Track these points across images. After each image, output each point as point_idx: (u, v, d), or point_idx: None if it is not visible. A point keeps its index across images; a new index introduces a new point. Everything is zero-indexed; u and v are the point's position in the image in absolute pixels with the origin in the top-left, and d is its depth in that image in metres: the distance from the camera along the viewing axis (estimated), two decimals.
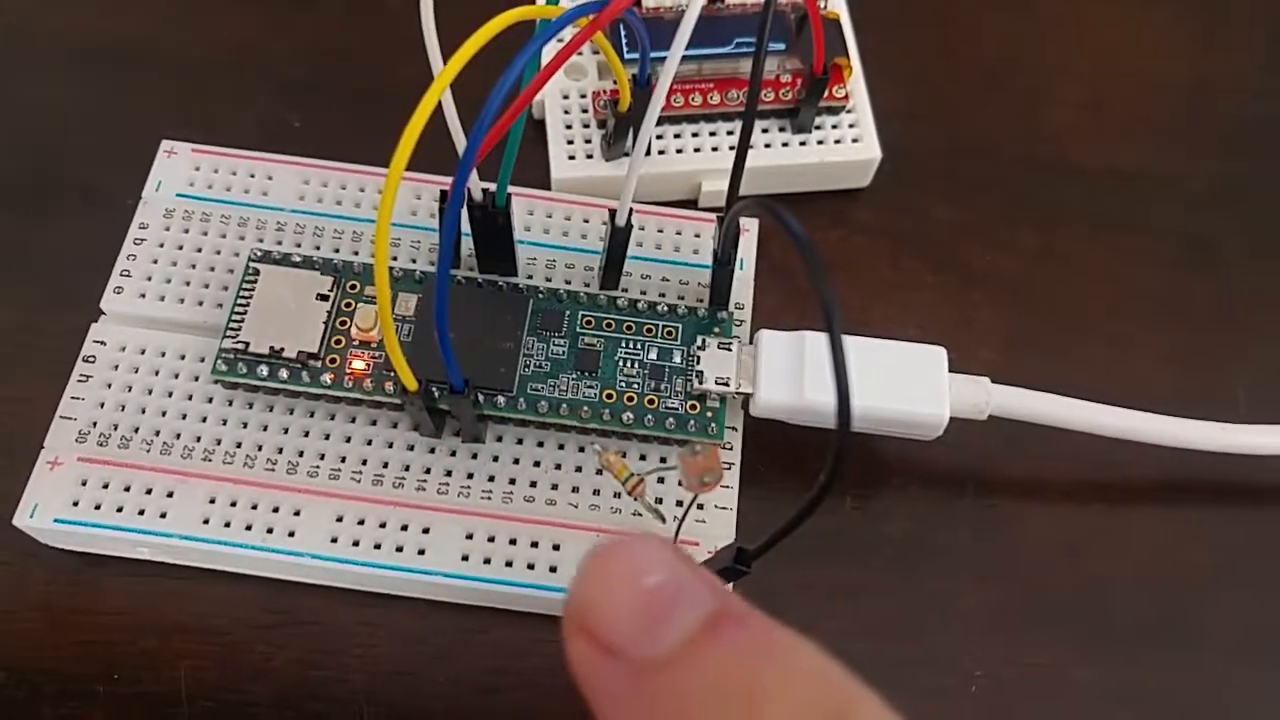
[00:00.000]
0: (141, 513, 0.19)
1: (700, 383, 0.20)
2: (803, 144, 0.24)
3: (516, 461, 0.20)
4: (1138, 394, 0.21)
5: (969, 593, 0.21)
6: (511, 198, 0.20)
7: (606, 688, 0.12)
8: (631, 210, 0.20)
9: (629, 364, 0.20)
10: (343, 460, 0.20)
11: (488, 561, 0.19)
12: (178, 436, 0.20)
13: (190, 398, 0.20)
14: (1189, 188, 0.26)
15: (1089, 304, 0.24)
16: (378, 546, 0.19)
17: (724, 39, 0.23)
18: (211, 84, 0.26)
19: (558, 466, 0.20)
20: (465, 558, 0.19)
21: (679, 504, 0.20)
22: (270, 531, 0.19)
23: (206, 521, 0.19)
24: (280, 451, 0.20)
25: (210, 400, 0.20)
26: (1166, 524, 0.22)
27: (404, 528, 0.19)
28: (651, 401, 0.20)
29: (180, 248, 0.22)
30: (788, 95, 0.23)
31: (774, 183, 0.24)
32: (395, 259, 0.22)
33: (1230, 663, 0.21)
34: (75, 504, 0.19)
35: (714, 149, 0.24)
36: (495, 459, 0.20)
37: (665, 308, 0.21)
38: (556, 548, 0.19)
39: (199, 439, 0.20)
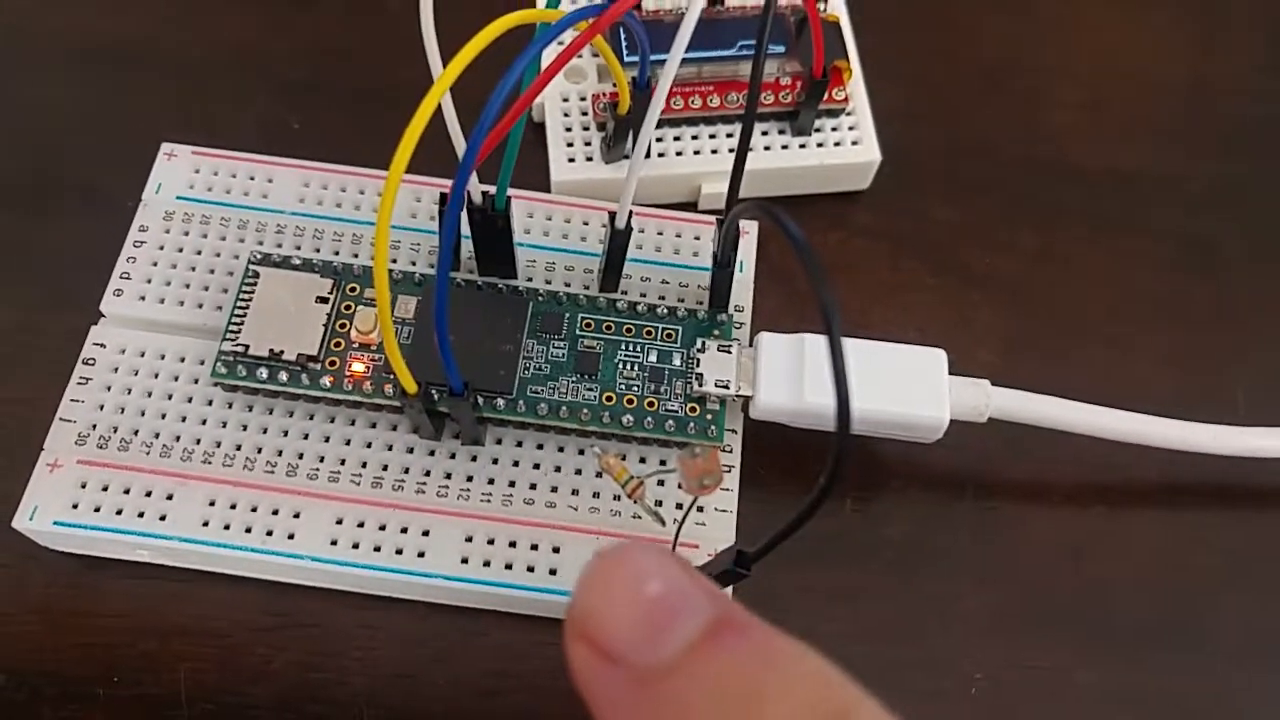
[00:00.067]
0: (141, 515, 0.19)
1: (700, 385, 0.20)
2: (802, 146, 0.24)
3: (516, 464, 0.20)
4: (1137, 395, 0.21)
5: (969, 595, 0.21)
6: (511, 200, 0.20)
7: (608, 695, 0.12)
8: (631, 213, 0.20)
9: (629, 366, 0.20)
10: (342, 463, 0.20)
11: (487, 564, 0.19)
12: (177, 439, 0.20)
13: (190, 400, 0.20)
14: (1189, 189, 0.26)
15: (1089, 305, 0.24)
16: (377, 549, 0.19)
17: (724, 42, 0.23)
18: (211, 84, 0.26)
19: (557, 469, 0.20)
20: (465, 560, 0.19)
21: (679, 506, 0.20)
22: (270, 534, 0.19)
23: (206, 524, 0.19)
24: (280, 454, 0.20)
25: (210, 403, 0.20)
26: (1167, 526, 0.22)
27: (403, 530, 0.19)
28: (651, 404, 0.20)
29: (180, 250, 0.22)
30: (787, 98, 0.23)
31: (774, 185, 0.24)
32: (395, 261, 0.22)
33: (1232, 665, 0.21)
34: (75, 506, 0.19)
35: (714, 151, 0.24)
36: (495, 461, 0.20)
37: (665, 310, 0.21)
38: (556, 550, 0.19)
39: (198, 441, 0.20)
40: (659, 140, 0.24)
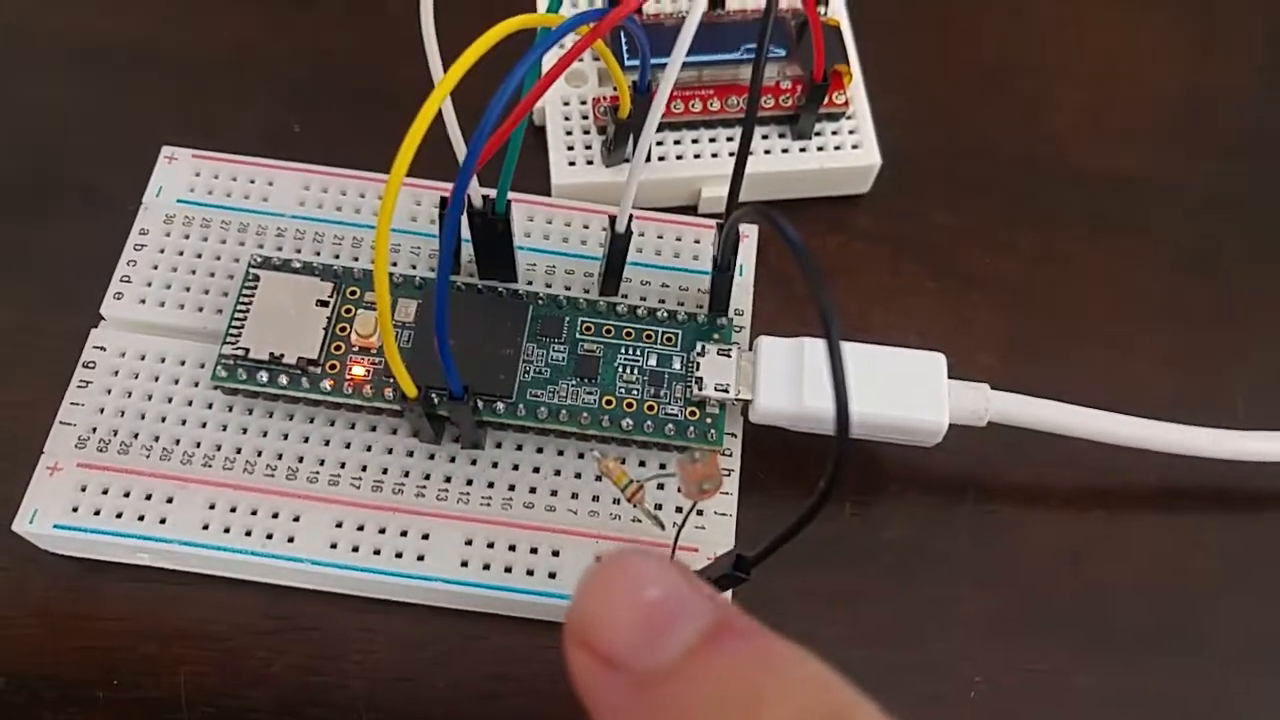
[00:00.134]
0: (141, 518, 0.19)
1: (700, 389, 0.20)
2: (803, 150, 0.24)
3: (516, 468, 0.20)
4: (1137, 397, 0.21)
5: (969, 599, 0.21)
6: (511, 204, 0.20)
7: (608, 700, 0.12)
8: (631, 216, 0.20)
9: (628, 370, 0.20)
10: (342, 466, 0.20)
11: (487, 567, 0.19)
12: (177, 442, 0.20)
13: (190, 403, 0.20)
14: (1188, 191, 0.26)
15: (1089, 307, 0.24)
16: (377, 552, 0.19)
17: (724, 45, 0.23)
18: (212, 85, 0.26)
19: (557, 473, 0.20)
20: (464, 564, 0.19)
21: (678, 510, 0.20)
22: (270, 537, 0.19)
23: (206, 527, 0.19)
24: (280, 457, 0.20)
25: (210, 406, 0.20)
26: (1166, 530, 0.22)
27: (403, 533, 0.19)
28: (651, 408, 0.20)
29: (180, 253, 0.22)
30: (788, 102, 0.23)
31: (774, 189, 0.24)
32: (395, 265, 0.22)
33: (1231, 669, 0.21)
34: (75, 510, 0.19)
35: (714, 155, 0.24)
36: (494, 465, 0.20)
37: (665, 314, 0.21)
38: (556, 554, 0.19)
39: (198, 445, 0.20)
40: (659, 144, 0.24)
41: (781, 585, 0.20)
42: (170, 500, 0.19)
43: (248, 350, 0.20)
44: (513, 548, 0.19)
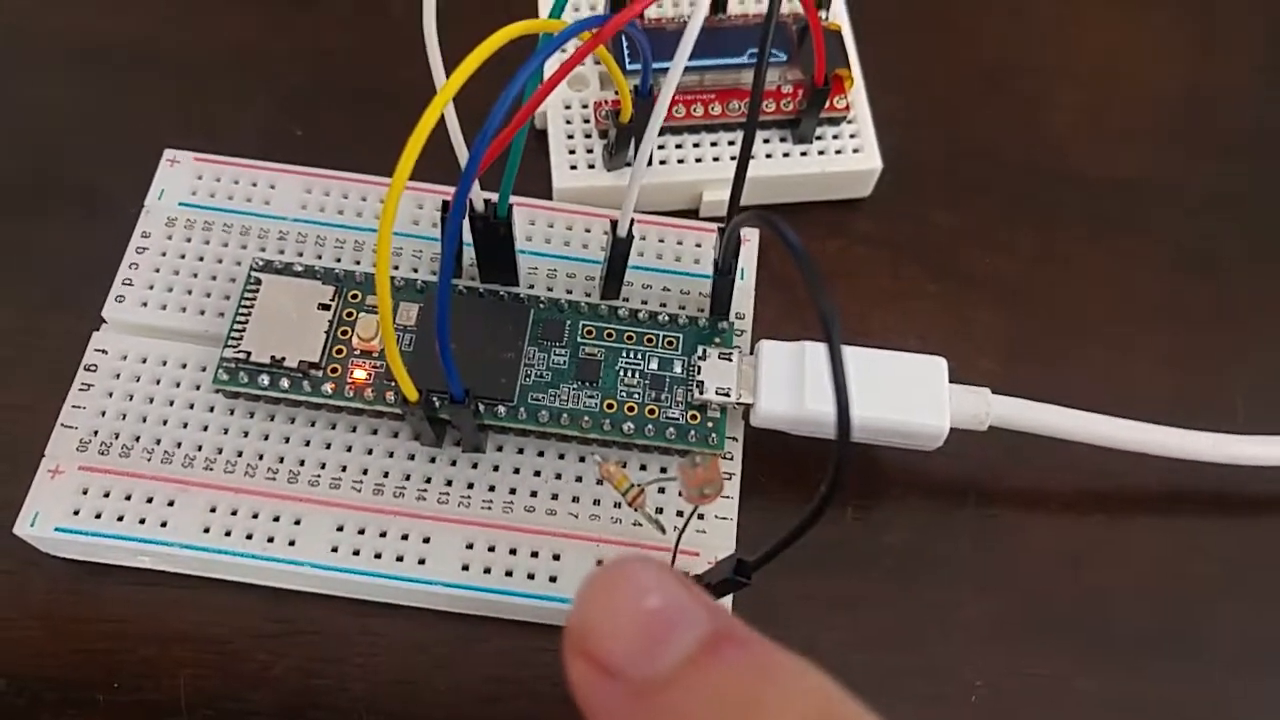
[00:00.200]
0: (142, 521, 0.19)
1: (701, 393, 0.20)
2: (804, 154, 0.24)
3: (517, 471, 0.20)
4: (1137, 399, 0.21)
5: (969, 603, 0.21)
6: (513, 208, 0.20)
7: (606, 709, 0.12)
8: (633, 220, 0.20)
9: (630, 374, 0.20)
10: (343, 470, 0.20)
11: (488, 571, 0.19)
12: (179, 445, 0.20)
13: (191, 407, 0.20)
14: (1188, 192, 0.26)
15: (1089, 309, 0.24)
16: (378, 556, 0.19)
17: (726, 50, 0.23)
18: (213, 86, 0.26)
19: (558, 476, 0.20)
20: (465, 567, 0.19)
21: (679, 514, 0.20)
22: (271, 541, 0.19)
23: (207, 530, 0.19)
24: (281, 461, 0.20)
25: (211, 409, 0.20)
26: (1167, 534, 0.22)
27: (404, 537, 0.19)
28: (652, 412, 0.20)
29: (182, 257, 0.22)
30: (789, 106, 0.23)
31: (775, 193, 0.24)
32: (396, 268, 0.22)
33: (1231, 673, 0.21)
34: (76, 513, 0.19)
35: (715, 159, 0.24)
36: (496, 469, 0.20)
37: (666, 318, 0.21)
38: (557, 558, 0.19)
39: (200, 448, 0.20)
40: (660, 148, 0.24)
41: (782, 589, 0.20)
42: (171, 503, 0.19)
43: (249, 354, 0.20)
44: (513, 551, 0.19)
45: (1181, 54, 0.28)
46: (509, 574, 0.19)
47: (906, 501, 0.22)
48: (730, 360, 0.20)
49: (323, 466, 0.20)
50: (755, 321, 0.22)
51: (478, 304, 0.21)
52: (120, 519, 0.19)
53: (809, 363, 0.20)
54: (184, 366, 0.21)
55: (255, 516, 0.19)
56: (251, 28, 0.27)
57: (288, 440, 0.20)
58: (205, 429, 0.20)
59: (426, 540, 0.19)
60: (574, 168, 0.23)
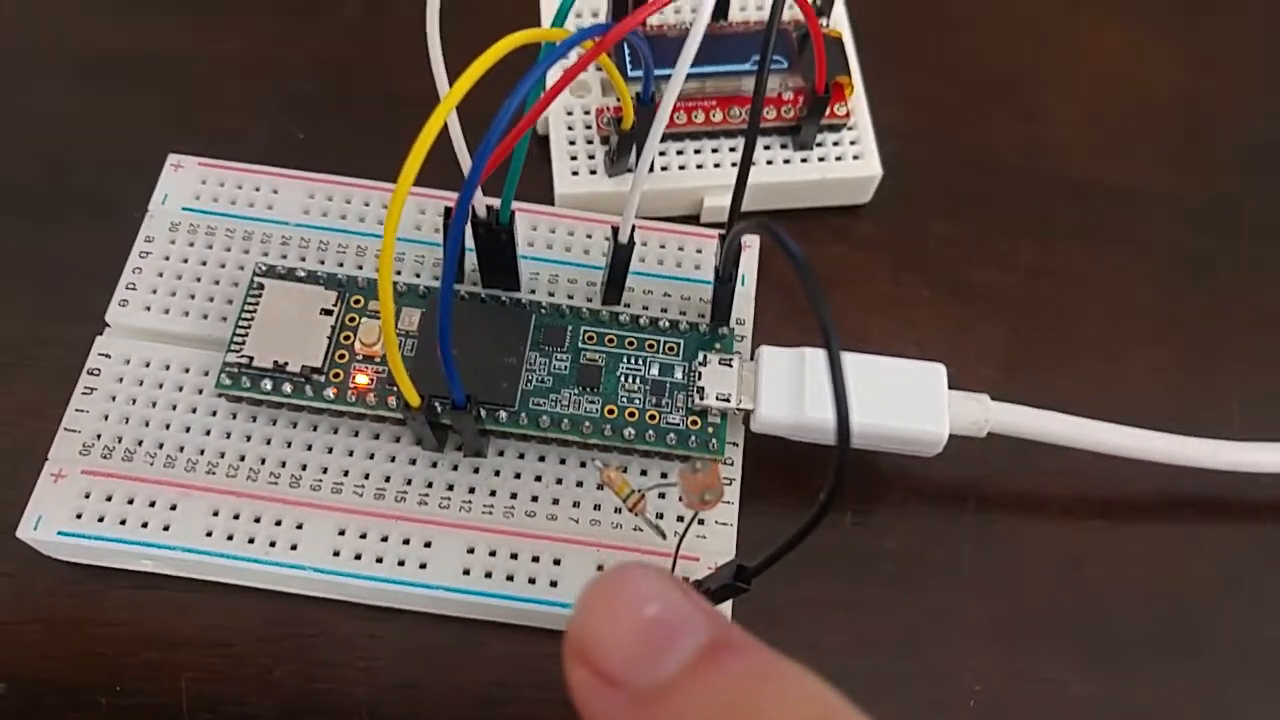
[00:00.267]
0: (145, 525, 0.19)
1: (701, 399, 0.20)
2: (804, 161, 0.24)
3: (518, 476, 0.20)
4: (1134, 408, 0.21)
5: (969, 607, 0.21)
6: (515, 214, 0.20)
7: (607, 715, 0.12)
8: (634, 227, 0.20)
9: (630, 379, 0.20)
10: (345, 474, 0.20)
11: (489, 576, 0.19)
12: (181, 450, 0.20)
13: (194, 411, 0.20)
14: (1186, 203, 0.26)
15: (1087, 319, 0.24)
16: (379, 560, 0.19)
17: (727, 57, 0.23)
18: (216, 91, 0.26)
19: (559, 481, 0.20)
20: (466, 572, 0.19)
21: (679, 519, 0.20)
22: (273, 545, 0.19)
23: (209, 534, 0.19)
24: (283, 465, 0.20)
25: (214, 414, 0.20)
26: (1166, 538, 0.22)
27: (405, 541, 0.20)
28: (653, 417, 0.20)
29: (185, 261, 0.22)
30: (789, 113, 0.24)
31: (775, 199, 0.24)
32: (399, 274, 0.22)
33: (1229, 675, 0.21)
34: (79, 516, 0.19)
35: (716, 165, 0.24)
36: (497, 474, 0.20)
37: (667, 323, 0.21)
38: (557, 562, 0.20)
39: (202, 452, 0.20)
40: (661, 154, 0.24)
41: (782, 594, 0.21)
42: (174, 507, 0.20)
43: (252, 358, 0.20)
44: (514, 556, 0.20)
45: (1180, 68, 0.28)
46: (510, 578, 0.19)
47: (906, 507, 0.22)
48: (731, 366, 0.20)
49: (324, 471, 0.20)
50: (756, 327, 0.22)
51: (479, 309, 0.21)
52: (123, 523, 0.19)
53: (809, 369, 0.20)
54: (187, 371, 0.21)
55: (257, 520, 0.19)
56: (255, 34, 0.27)
57: (290, 445, 0.20)
58: (208, 433, 0.20)
59: (428, 545, 0.20)
60: (576, 174, 0.24)
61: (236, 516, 0.20)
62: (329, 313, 0.20)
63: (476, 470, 0.20)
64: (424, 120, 0.14)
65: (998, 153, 0.26)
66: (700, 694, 0.11)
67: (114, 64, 0.26)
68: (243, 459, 0.20)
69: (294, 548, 0.19)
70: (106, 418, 0.20)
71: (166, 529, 0.19)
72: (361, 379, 0.20)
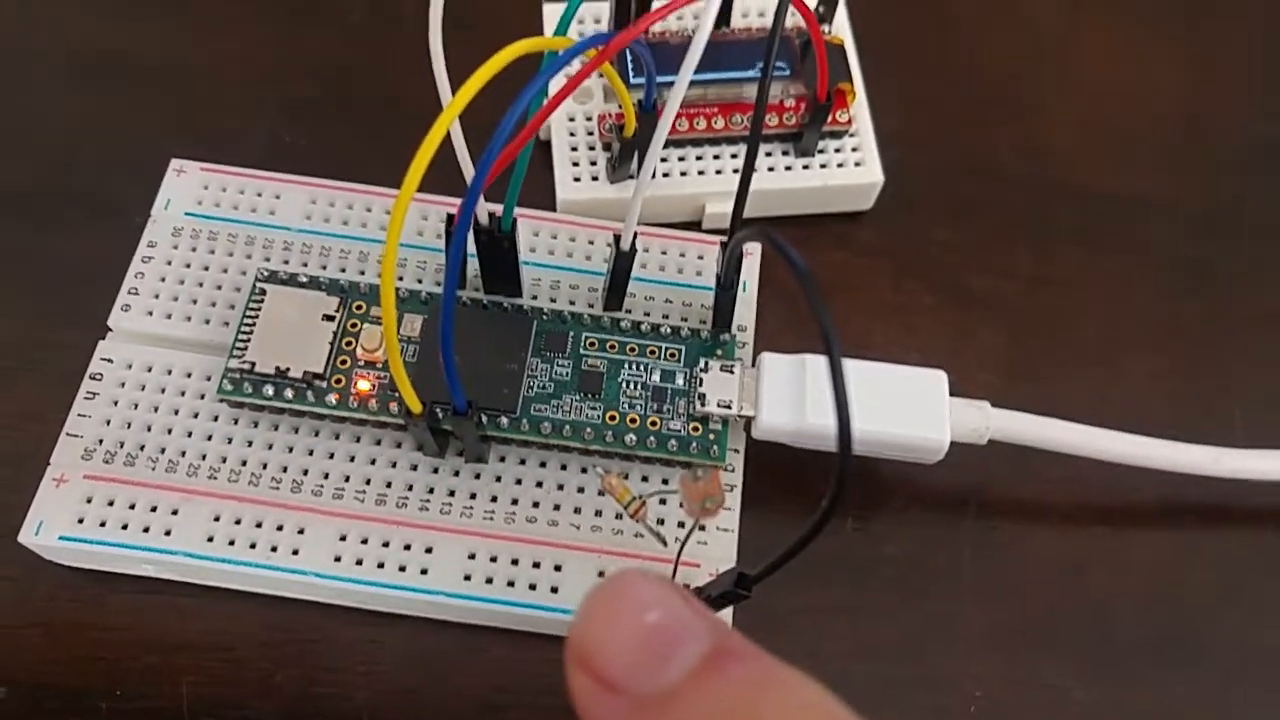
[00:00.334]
0: (146, 530, 0.19)
1: (702, 405, 0.20)
2: (806, 167, 0.24)
3: (519, 482, 0.20)
4: (1136, 415, 0.21)
5: (970, 614, 0.21)
6: (517, 220, 0.20)
7: None
8: (636, 233, 0.20)
9: (632, 386, 0.20)
10: (346, 480, 0.20)
11: (490, 581, 0.19)
12: (183, 454, 0.20)
13: (196, 416, 0.20)
14: (1187, 210, 0.26)
15: (1088, 326, 0.24)
16: (381, 565, 0.19)
17: (729, 64, 0.23)
18: (219, 96, 0.26)
19: (560, 487, 0.20)
20: (467, 577, 0.19)
21: (680, 526, 0.20)
22: (274, 550, 0.19)
23: (211, 539, 0.19)
24: (284, 470, 0.20)
25: (216, 419, 0.20)
26: (1167, 545, 0.22)
27: (407, 547, 0.20)
28: (654, 423, 0.20)
29: (188, 266, 0.22)
30: (791, 120, 0.24)
31: (777, 206, 0.24)
32: (401, 280, 0.22)
33: (1231, 682, 0.21)
34: (80, 521, 0.19)
35: (718, 172, 0.24)
36: (498, 479, 0.20)
37: (668, 330, 0.21)
38: (558, 568, 0.20)
39: (204, 457, 0.20)
40: (663, 160, 0.24)
41: (783, 601, 0.21)
42: (175, 512, 0.20)
43: (254, 364, 0.20)
44: (515, 562, 0.20)
45: (1181, 74, 0.28)
46: (510, 584, 0.19)
47: (907, 513, 0.22)
48: (732, 373, 0.20)
49: (326, 476, 0.20)
50: (757, 334, 0.22)
51: (481, 315, 0.21)
52: (124, 527, 0.19)
53: (810, 376, 0.20)
54: (189, 376, 0.21)
55: (259, 526, 0.20)
56: (256, 36, 0.27)
57: (291, 450, 0.20)
58: (209, 438, 0.20)
59: (429, 550, 0.20)
60: (578, 180, 0.24)
61: (238, 521, 0.20)
62: (331, 318, 0.20)
63: (478, 476, 0.20)
64: (426, 126, 0.14)
65: (999, 159, 0.26)
66: (701, 701, 0.11)
67: (114, 64, 0.26)
68: (244, 464, 0.20)
69: (295, 553, 0.19)
70: (109, 422, 0.20)
71: (168, 534, 0.19)
72: (363, 385, 0.20)
